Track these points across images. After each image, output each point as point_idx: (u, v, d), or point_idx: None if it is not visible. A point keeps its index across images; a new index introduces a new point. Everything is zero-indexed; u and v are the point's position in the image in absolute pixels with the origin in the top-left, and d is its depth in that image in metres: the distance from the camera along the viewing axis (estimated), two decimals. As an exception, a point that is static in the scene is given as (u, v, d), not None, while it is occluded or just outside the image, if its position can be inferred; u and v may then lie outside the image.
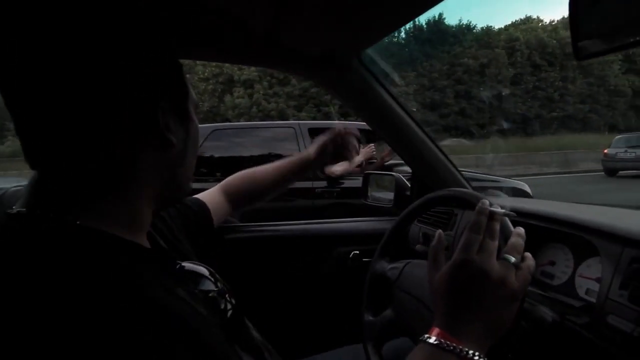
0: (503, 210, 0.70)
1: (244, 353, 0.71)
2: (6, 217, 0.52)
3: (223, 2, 0.89)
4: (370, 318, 1.12)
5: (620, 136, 16.42)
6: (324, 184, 4.20)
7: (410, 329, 1.04)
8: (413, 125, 1.40)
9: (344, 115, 27.22)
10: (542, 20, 35.76)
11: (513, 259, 0.64)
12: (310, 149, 1.30)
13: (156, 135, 0.57)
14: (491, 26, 36.03)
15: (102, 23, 0.51)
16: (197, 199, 1.19)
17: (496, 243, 0.65)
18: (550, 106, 30.82)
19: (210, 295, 0.71)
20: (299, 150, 4.15)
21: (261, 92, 26.74)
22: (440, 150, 1.46)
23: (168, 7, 0.84)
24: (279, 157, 1.40)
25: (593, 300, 0.86)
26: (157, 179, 0.60)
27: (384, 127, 1.44)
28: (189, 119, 0.65)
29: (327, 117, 25.24)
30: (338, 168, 4.06)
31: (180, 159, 0.64)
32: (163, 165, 0.60)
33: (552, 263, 1.03)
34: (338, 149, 1.28)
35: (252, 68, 27.71)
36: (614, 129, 26.99)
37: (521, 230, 0.70)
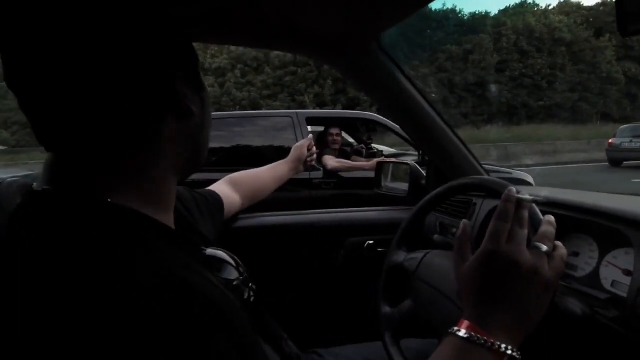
0: (532, 197, 0.69)
1: (263, 342, 0.74)
2: (30, 195, 0.54)
3: None
4: (388, 309, 1.14)
5: (625, 126, 16.77)
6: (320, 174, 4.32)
7: (430, 320, 1.05)
8: (432, 112, 1.43)
9: (319, 105, 27.42)
10: (537, 5, 36.48)
11: (545, 248, 0.64)
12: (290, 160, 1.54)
13: (176, 105, 0.60)
14: (482, 12, 36.42)
15: (113, 6, 0.52)
16: (212, 191, 1.26)
17: (526, 231, 0.65)
18: (538, 94, 31.22)
19: (234, 283, 0.74)
20: (296, 140, 4.24)
21: (232, 80, 26.62)
22: (460, 139, 1.49)
23: None
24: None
25: (621, 293, 0.87)
26: (181, 149, 0.63)
27: (402, 114, 1.46)
28: (202, 86, 0.68)
29: (302, 106, 25.31)
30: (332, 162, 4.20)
31: (200, 126, 0.67)
32: (185, 135, 0.63)
33: (576, 254, 1.03)
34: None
35: (225, 55, 27.45)
36: (607, 118, 27.54)
37: (551, 218, 0.70)
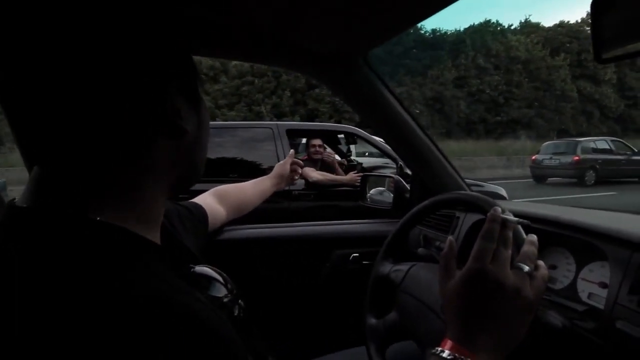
0: (516, 219, 0.73)
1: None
2: (12, 211, 0.53)
3: (231, 2, 0.94)
4: (373, 321, 1.16)
5: (549, 143, 17.42)
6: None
7: (415, 332, 1.07)
8: (415, 127, 1.49)
9: (277, 116, 27.44)
10: (500, 25, 37.32)
11: (527, 268, 0.67)
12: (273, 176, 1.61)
13: (167, 123, 0.57)
14: (443, 29, 37.30)
15: (101, 12, 0.51)
16: (196, 203, 1.26)
17: (509, 252, 0.67)
18: (496, 110, 32.11)
19: (224, 300, 0.73)
20: (276, 151, 4.37)
21: (187, 88, 26.33)
22: (442, 153, 1.57)
23: (176, 4, 0.87)
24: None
25: (598, 305, 0.92)
26: (174, 168, 0.61)
27: (387, 128, 1.52)
28: (199, 101, 0.66)
29: (259, 116, 25.29)
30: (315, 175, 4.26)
31: (195, 144, 0.65)
32: (179, 154, 0.61)
33: (554, 267, 1.08)
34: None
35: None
36: (565, 133, 28.49)
37: (534, 237, 0.73)
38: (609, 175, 15.31)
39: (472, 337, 0.63)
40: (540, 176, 16.33)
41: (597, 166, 15.27)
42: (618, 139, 17.55)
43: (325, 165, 4.67)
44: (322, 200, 4.29)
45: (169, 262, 0.58)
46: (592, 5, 0.73)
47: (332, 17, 1.03)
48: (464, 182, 1.61)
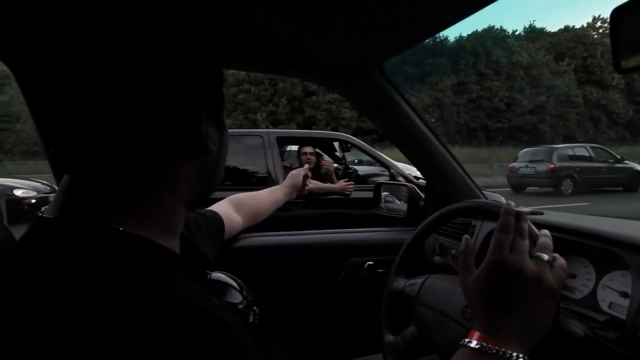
0: (529, 209, 0.77)
1: None
2: (41, 222, 0.56)
3: (248, 12, 0.96)
4: (391, 337, 1.19)
5: (527, 149, 17.13)
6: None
7: (435, 343, 1.10)
8: (431, 137, 1.54)
9: (273, 124, 27.52)
10: (504, 31, 37.37)
11: (546, 257, 0.70)
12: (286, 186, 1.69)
13: (198, 143, 0.61)
14: (443, 35, 37.35)
15: (147, 31, 0.55)
16: (213, 211, 1.32)
17: (527, 242, 0.71)
18: (497, 116, 32.15)
19: (239, 307, 0.77)
20: (266, 159, 4.40)
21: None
22: (458, 163, 1.61)
23: (197, 18, 0.93)
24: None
25: (619, 315, 0.93)
26: (195, 184, 0.65)
27: (402, 138, 1.57)
28: (224, 125, 0.70)
29: (255, 124, 25.38)
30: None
31: (216, 164, 0.69)
32: (201, 172, 0.65)
33: (573, 276, 1.09)
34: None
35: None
36: (571, 140, 28.43)
37: (546, 231, 0.78)
38: (588, 184, 15.01)
39: (499, 326, 0.65)
40: (517, 185, 16.03)
41: (575, 175, 15.03)
42: (599, 146, 17.34)
43: (322, 174, 4.71)
44: (311, 208, 4.28)
45: (188, 270, 0.61)
46: (613, 14, 0.74)
47: (348, 29, 1.05)
48: (480, 190, 1.66)
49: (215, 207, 1.37)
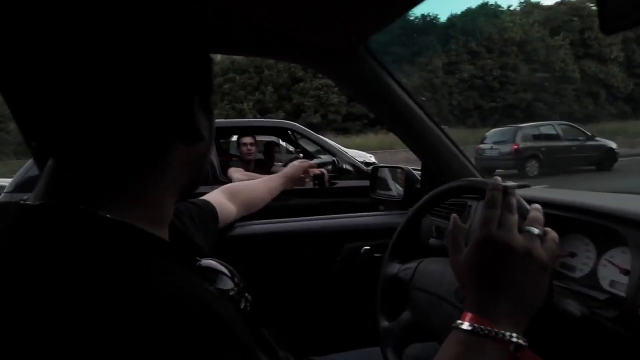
0: (516, 183, 0.78)
1: (260, 353, 0.75)
2: (23, 209, 0.55)
3: None
4: (386, 323, 1.19)
5: (494, 130, 16.82)
6: None
7: (431, 327, 1.11)
8: (423, 115, 1.53)
9: (260, 112, 27.57)
10: (499, 7, 37.28)
11: (536, 231, 0.70)
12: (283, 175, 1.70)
13: (191, 130, 0.60)
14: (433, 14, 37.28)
15: (135, 18, 0.53)
16: (206, 200, 1.32)
17: (516, 217, 0.70)
18: (491, 95, 32.09)
19: (230, 293, 0.77)
20: None
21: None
22: (451, 141, 1.61)
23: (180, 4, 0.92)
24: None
25: (620, 292, 0.92)
26: (185, 171, 0.65)
27: (392, 117, 1.57)
28: (212, 110, 0.69)
29: (241, 114, 25.39)
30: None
31: (205, 152, 0.69)
32: (192, 158, 0.65)
33: (572, 255, 1.08)
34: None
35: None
36: (570, 117, 28.17)
37: (537, 205, 0.77)
38: (556, 164, 14.61)
39: (490, 305, 0.65)
40: (484, 168, 14.13)
41: (540, 155, 14.75)
42: (568, 123, 17.06)
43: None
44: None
45: (176, 257, 0.61)
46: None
47: (326, 6, 1.05)
48: (475, 169, 1.66)
49: (208, 197, 1.38)
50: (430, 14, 36.23)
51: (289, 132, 5.76)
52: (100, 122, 0.54)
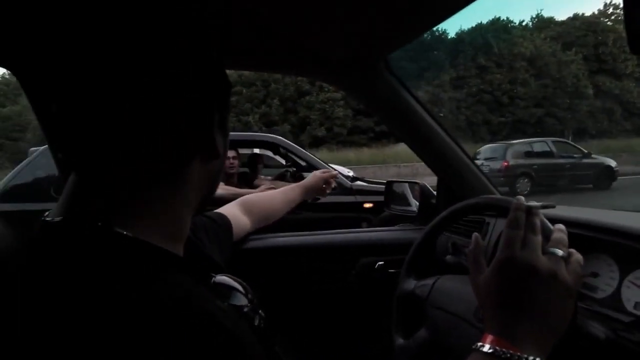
0: (541, 203, 0.75)
1: None
2: (45, 225, 0.58)
3: (249, 11, 0.98)
4: (402, 341, 1.19)
5: (486, 146, 16.44)
6: None
7: (449, 346, 1.10)
8: (440, 131, 1.55)
9: (266, 125, 27.66)
10: (511, 22, 37.07)
11: (561, 252, 0.68)
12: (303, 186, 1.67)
13: (209, 146, 0.64)
14: (442, 29, 37.27)
15: (156, 35, 0.56)
16: (221, 214, 1.34)
17: (539, 238, 0.69)
18: (500, 110, 31.91)
19: (244, 310, 0.77)
20: None
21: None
22: (469, 157, 1.62)
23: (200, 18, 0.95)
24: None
25: None
26: (201, 188, 0.68)
27: (410, 133, 1.59)
28: (227, 130, 0.72)
29: (247, 126, 25.51)
30: None
31: (220, 167, 0.72)
32: (207, 175, 0.68)
33: (595, 275, 1.06)
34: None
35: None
36: (583, 133, 28.00)
37: (561, 225, 0.75)
38: (549, 182, 14.43)
39: (512, 327, 0.64)
40: None
41: (532, 173, 14.45)
42: (564, 140, 16.79)
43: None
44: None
45: (191, 273, 0.62)
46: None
47: (348, 22, 1.07)
48: (494, 186, 1.67)
49: (223, 210, 1.39)
50: (440, 29, 36.31)
51: (273, 145, 5.78)
52: (121, 136, 0.56)
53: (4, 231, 0.81)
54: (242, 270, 0.87)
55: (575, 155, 15.13)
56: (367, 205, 4.52)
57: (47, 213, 0.61)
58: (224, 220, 1.32)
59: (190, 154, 0.62)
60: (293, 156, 5.42)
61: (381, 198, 4.74)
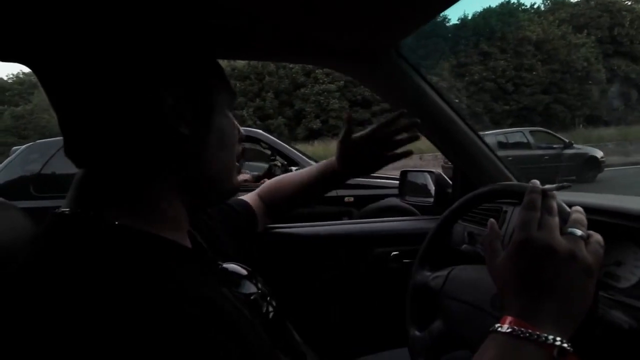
0: (556, 185, 0.77)
1: (286, 358, 0.80)
2: (54, 218, 0.64)
3: (256, 4, 1.00)
4: (417, 333, 1.20)
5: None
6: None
7: (466, 338, 1.11)
8: (456, 118, 1.58)
9: (261, 119, 27.70)
10: (522, 5, 36.84)
11: (580, 232, 0.69)
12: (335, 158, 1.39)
13: (165, 125, 0.67)
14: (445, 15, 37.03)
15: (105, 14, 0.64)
16: (242, 200, 1.37)
17: (556, 219, 0.70)
18: (504, 98, 31.73)
19: (252, 297, 0.82)
20: None
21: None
22: (486, 145, 1.65)
23: (200, 9, 0.96)
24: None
25: None
26: (180, 172, 0.71)
27: (425, 121, 1.57)
28: (213, 112, 0.75)
29: (241, 120, 25.56)
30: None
31: (200, 152, 0.74)
32: (182, 159, 0.71)
33: (618, 263, 1.05)
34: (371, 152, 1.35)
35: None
36: (597, 120, 27.47)
37: (579, 207, 0.75)
38: (525, 175, 12.60)
39: (531, 308, 0.64)
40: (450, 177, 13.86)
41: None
42: (543, 129, 16.41)
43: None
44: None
45: (197, 261, 0.68)
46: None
47: (358, 9, 1.08)
48: (512, 173, 1.71)
49: (247, 197, 1.42)
50: (442, 15, 36.08)
51: (255, 140, 5.84)
52: (118, 131, 0.65)
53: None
54: (255, 260, 0.92)
55: (555, 146, 14.77)
56: (347, 199, 4.64)
57: (59, 207, 0.67)
58: (244, 207, 1.35)
59: (151, 136, 0.67)
60: (275, 151, 5.57)
61: (363, 192, 4.71)
